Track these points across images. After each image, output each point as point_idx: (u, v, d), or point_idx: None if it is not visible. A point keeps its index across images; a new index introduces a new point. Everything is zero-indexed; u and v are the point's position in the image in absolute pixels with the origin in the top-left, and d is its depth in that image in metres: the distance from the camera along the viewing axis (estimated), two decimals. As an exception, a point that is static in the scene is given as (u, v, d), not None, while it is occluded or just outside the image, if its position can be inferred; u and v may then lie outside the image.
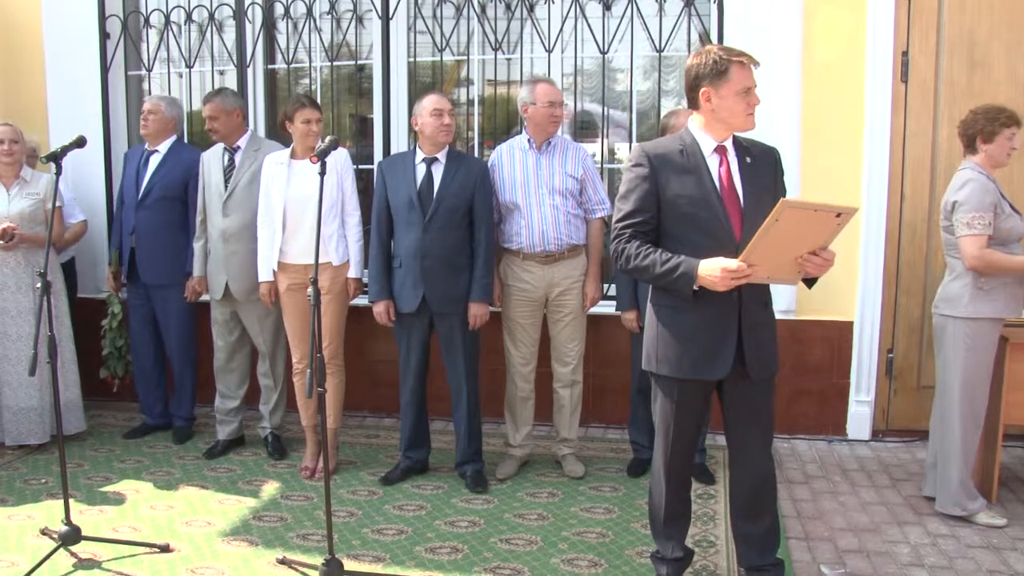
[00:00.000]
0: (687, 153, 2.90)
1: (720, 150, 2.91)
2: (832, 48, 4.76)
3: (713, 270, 2.73)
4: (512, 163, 4.38)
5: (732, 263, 2.70)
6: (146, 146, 4.99)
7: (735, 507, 3.19)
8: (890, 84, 4.78)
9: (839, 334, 4.90)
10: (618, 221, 2.95)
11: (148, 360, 5.15)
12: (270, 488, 4.36)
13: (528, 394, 4.50)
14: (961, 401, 3.90)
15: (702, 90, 2.86)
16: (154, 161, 4.94)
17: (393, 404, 4.62)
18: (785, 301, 4.75)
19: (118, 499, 4.22)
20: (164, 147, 4.95)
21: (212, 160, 4.71)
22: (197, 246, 4.76)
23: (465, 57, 5.35)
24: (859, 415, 5.00)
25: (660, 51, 5.02)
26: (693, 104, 2.94)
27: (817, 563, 3.57)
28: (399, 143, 5.28)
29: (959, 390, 3.89)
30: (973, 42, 4.77)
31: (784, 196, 2.93)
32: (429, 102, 4.20)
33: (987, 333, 3.85)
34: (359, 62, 5.47)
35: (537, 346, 4.48)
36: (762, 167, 2.96)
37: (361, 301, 4.72)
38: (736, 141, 2.95)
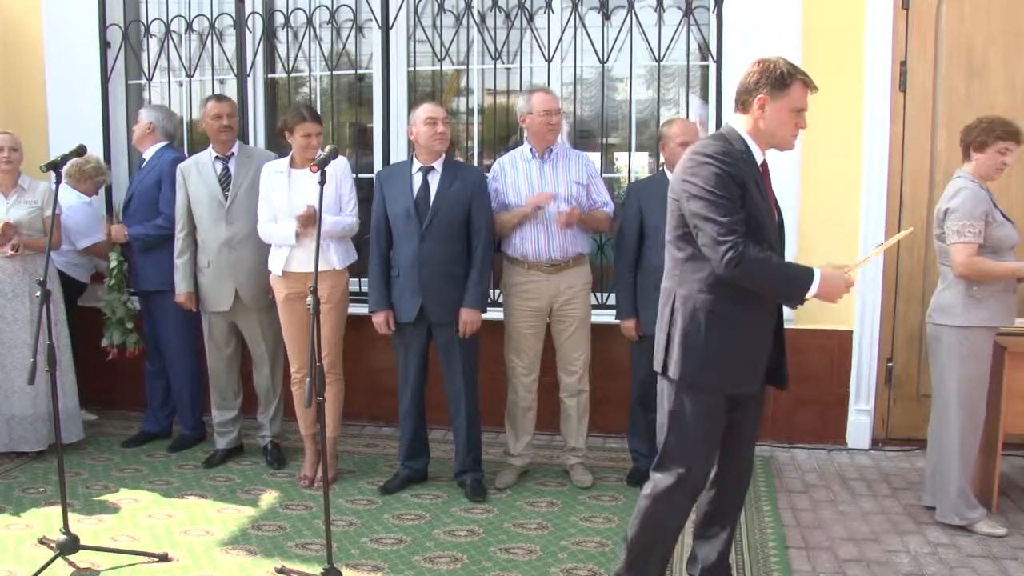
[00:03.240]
0: (748, 160, 2.82)
1: (764, 166, 2.89)
2: (831, 57, 4.76)
3: (837, 281, 2.75)
4: (516, 173, 4.39)
5: (851, 278, 2.80)
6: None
7: (711, 512, 3.16)
8: (889, 93, 4.79)
9: (838, 343, 4.91)
10: (721, 228, 2.68)
11: (157, 364, 5.15)
12: (269, 497, 4.35)
13: (530, 404, 4.49)
14: (958, 410, 3.89)
15: (759, 96, 2.80)
16: (141, 168, 5.03)
17: (392, 413, 4.61)
18: (784, 310, 4.73)
19: (116, 508, 4.20)
20: (149, 153, 4.99)
21: (196, 171, 4.68)
22: (180, 262, 4.72)
23: (465, 66, 5.36)
24: (859, 424, 4.99)
25: (659, 60, 5.03)
26: (743, 107, 2.86)
27: (817, 573, 3.56)
28: (399, 152, 5.28)
29: (956, 399, 3.89)
30: (971, 51, 4.78)
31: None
32: (423, 111, 4.20)
33: (981, 341, 3.86)
34: (359, 71, 5.48)
35: (540, 356, 4.48)
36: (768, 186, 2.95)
37: (360, 310, 4.72)
38: None
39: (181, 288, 4.72)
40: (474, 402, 4.35)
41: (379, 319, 4.28)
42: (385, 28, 5.26)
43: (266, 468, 4.75)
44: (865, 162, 4.81)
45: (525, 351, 4.42)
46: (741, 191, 2.72)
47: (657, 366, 2.92)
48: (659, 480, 2.94)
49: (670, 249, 2.92)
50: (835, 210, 4.80)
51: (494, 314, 4.58)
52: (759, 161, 2.87)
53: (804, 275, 2.74)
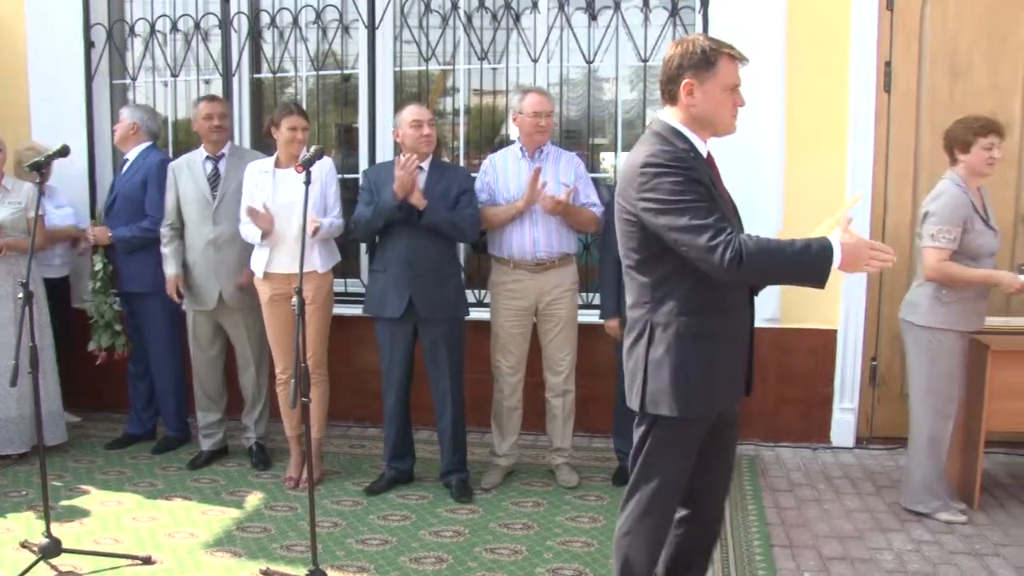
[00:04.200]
0: (696, 157, 2.55)
1: (710, 159, 2.64)
2: (816, 58, 4.78)
3: (861, 248, 2.39)
4: (506, 171, 4.40)
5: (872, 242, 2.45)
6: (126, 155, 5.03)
7: (680, 555, 2.90)
8: (874, 93, 4.81)
9: (823, 342, 4.92)
10: (708, 230, 2.39)
11: (140, 366, 5.12)
12: (254, 499, 4.33)
13: (516, 404, 4.50)
14: (924, 403, 4.00)
15: (684, 81, 2.53)
16: (124, 169, 4.99)
17: (378, 414, 4.61)
18: (769, 310, 4.76)
19: (100, 511, 4.18)
20: (133, 154, 4.96)
21: (187, 170, 4.68)
22: (168, 250, 4.69)
23: (451, 66, 5.35)
24: (843, 423, 5.01)
25: (645, 60, 5.04)
26: (671, 98, 2.60)
27: (801, 571, 3.57)
28: (385, 153, 5.27)
29: (923, 394, 4.00)
30: (955, 51, 4.80)
31: None
32: (408, 113, 4.20)
33: (948, 342, 3.92)
34: (345, 72, 5.47)
35: (526, 356, 4.48)
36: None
37: (345, 311, 4.72)
38: None
39: (171, 271, 4.68)
40: (460, 402, 4.35)
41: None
42: (371, 28, 5.25)
43: (251, 469, 4.73)
44: (850, 162, 4.82)
45: (511, 351, 4.42)
46: (707, 191, 2.49)
47: (635, 404, 2.65)
48: (629, 517, 2.71)
49: (633, 276, 2.63)
50: (820, 209, 4.70)
51: (480, 314, 4.58)
52: (704, 154, 2.60)
53: (822, 249, 2.38)
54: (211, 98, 4.78)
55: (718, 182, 2.62)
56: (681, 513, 2.84)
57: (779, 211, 4.79)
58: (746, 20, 4.78)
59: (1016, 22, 4.78)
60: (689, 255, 2.43)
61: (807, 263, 2.39)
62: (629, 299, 2.68)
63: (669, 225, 2.43)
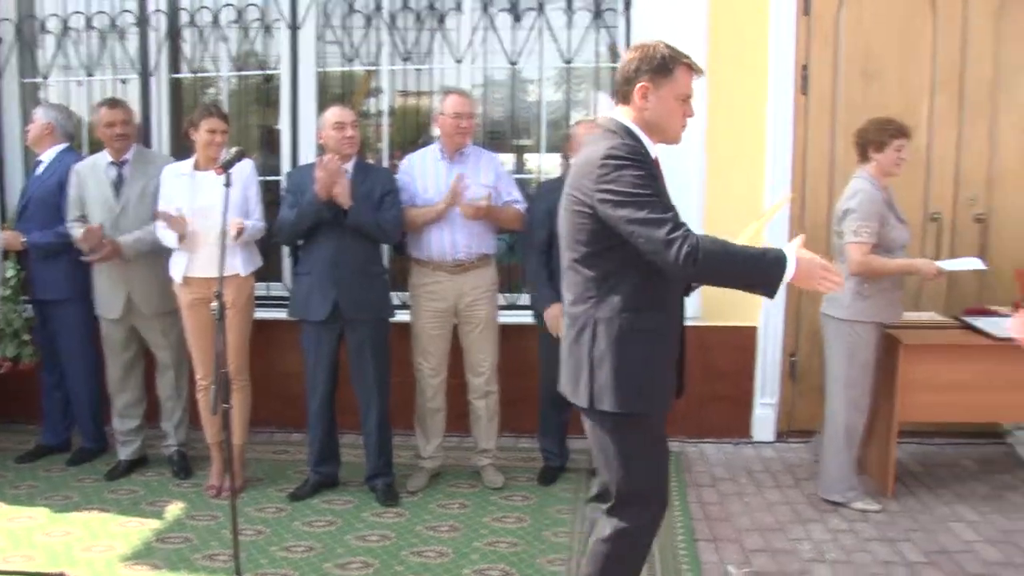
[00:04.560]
0: (648, 157, 2.54)
1: (656, 162, 2.61)
2: (736, 61, 4.87)
3: (814, 264, 2.40)
4: (424, 172, 4.38)
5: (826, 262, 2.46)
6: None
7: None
8: (791, 96, 4.93)
9: (744, 340, 5.01)
10: (666, 224, 2.38)
11: (54, 377, 4.94)
12: (175, 508, 4.23)
13: (439, 405, 4.48)
14: (842, 397, 4.15)
15: (640, 84, 2.54)
16: (39, 171, 4.80)
17: (302, 419, 4.54)
18: (691, 308, 4.81)
19: (8, 527, 4.02)
20: (48, 156, 4.79)
21: (90, 174, 4.52)
22: (75, 228, 4.46)
23: (375, 67, 5.31)
24: (764, 418, 5.11)
25: (568, 63, 5.08)
26: (624, 98, 2.60)
27: (724, 563, 3.64)
28: (307, 155, 5.19)
29: (841, 387, 4.15)
30: (868, 56, 4.94)
31: None
32: (331, 115, 4.16)
33: (866, 333, 4.09)
34: (267, 72, 5.39)
35: (447, 357, 4.47)
36: None
37: (267, 315, 4.65)
38: None
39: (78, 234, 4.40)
40: (385, 405, 4.31)
41: None
42: (293, 28, 5.19)
43: (171, 479, 4.62)
44: (768, 162, 4.93)
45: (432, 353, 4.41)
46: (662, 190, 2.52)
47: (583, 401, 2.61)
48: (625, 521, 2.66)
49: (579, 269, 2.60)
50: (740, 210, 4.85)
51: (404, 316, 4.55)
52: (653, 156, 2.60)
53: (777, 260, 2.40)
54: (112, 103, 4.57)
55: (663, 185, 2.62)
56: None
57: (700, 209, 4.87)
58: (669, 23, 4.84)
59: (925, 29, 4.94)
60: (645, 248, 2.41)
61: (761, 270, 2.41)
62: (570, 294, 2.65)
63: (628, 217, 2.41)
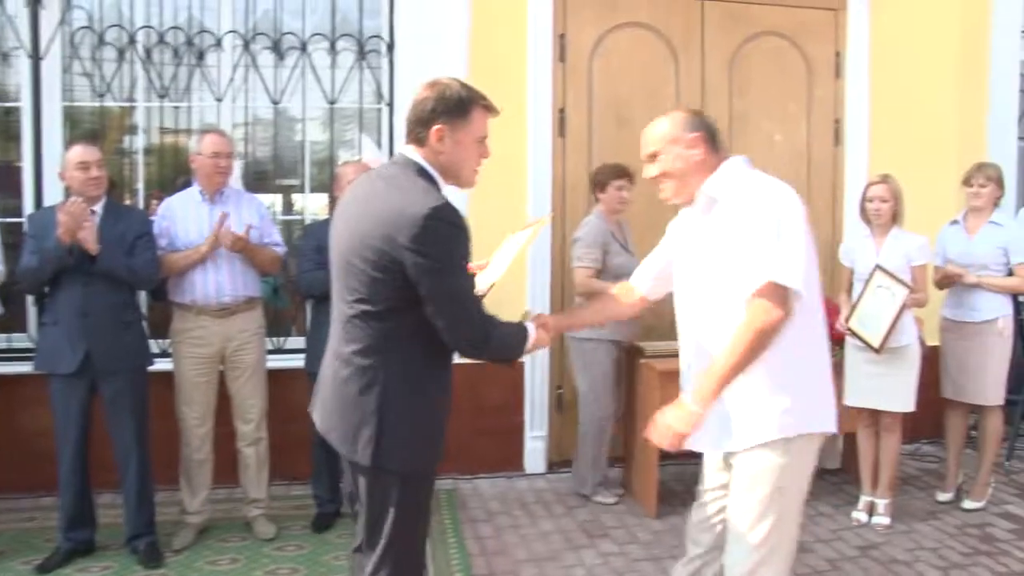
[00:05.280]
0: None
1: None
2: (497, 104, 5.01)
3: (543, 340, 2.61)
4: (185, 215, 4.22)
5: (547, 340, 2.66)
6: None
7: None
8: (550, 138, 5.18)
9: (512, 375, 5.14)
10: (471, 306, 2.37)
11: None
12: None
13: (205, 456, 4.28)
14: (587, 405, 4.75)
15: (436, 127, 2.39)
16: None
17: (52, 481, 4.18)
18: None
19: None
20: None
21: None
22: None
23: (129, 104, 5.06)
24: (534, 450, 5.28)
25: (332, 103, 5.07)
26: (418, 141, 2.43)
27: (499, 598, 3.71)
28: (53, 195, 4.83)
29: (581, 398, 4.71)
30: (619, 101, 5.29)
31: None
32: (74, 155, 3.91)
33: (601, 350, 4.65)
34: (6, 104, 5.00)
35: (213, 405, 4.29)
36: None
37: (10, 368, 4.30)
38: None
39: None
40: (145, 459, 4.06)
41: None
42: (35, 58, 4.84)
43: None
44: (530, 202, 5.14)
45: (197, 401, 4.22)
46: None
47: (365, 459, 2.40)
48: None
49: (368, 323, 2.39)
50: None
51: (164, 364, 4.34)
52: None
53: (523, 337, 2.54)
54: None
55: None
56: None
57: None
58: (430, 66, 4.90)
59: (666, 78, 5.36)
60: (441, 319, 2.33)
61: (514, 349, 2.52)
62: (354, 345, 2.42)
63: (440, 283, 2.30)
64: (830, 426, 2.64)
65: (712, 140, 2.64)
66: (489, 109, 2.48)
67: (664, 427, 2.51)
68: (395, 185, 2.39)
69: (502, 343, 2.47)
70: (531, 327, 2.56)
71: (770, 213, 2.44)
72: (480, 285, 2.67)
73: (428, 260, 2.26)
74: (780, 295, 2.39)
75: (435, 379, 2.47)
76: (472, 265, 2.63)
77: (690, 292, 2.66)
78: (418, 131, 2.42)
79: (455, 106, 2.40)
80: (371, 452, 2.39)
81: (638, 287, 2.95)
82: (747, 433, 2.54)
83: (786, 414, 2.51)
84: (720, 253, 2.52)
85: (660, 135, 2.66)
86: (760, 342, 2.40)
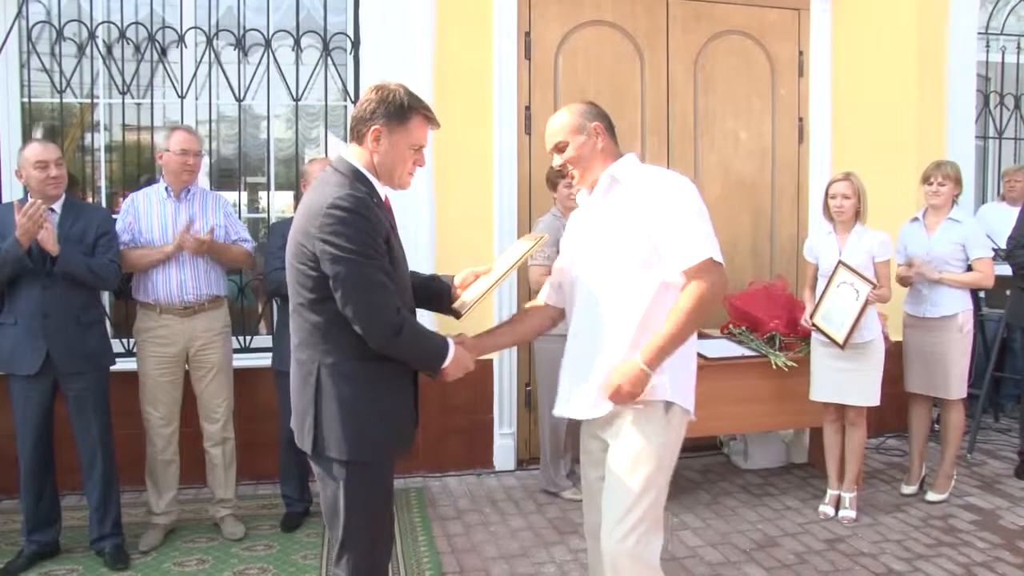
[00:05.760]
0: (377, 202, 2.50)
1: (386, 202, 2.59)
2: (463, 102, 5.04)
3: (466, 361, 2.62)
4: (149, 212, 4.16)
5: (471, 364, 2.65)
6: None
7: None
8: (515, 135, 5.18)
9: (481, 373, 5.05)
10: (381, 295, 2.41)
11: None
12: None
13: (171, 457, 4.22)
14: (542, 404, 4.77)
15: (374, 127, 2.49)
16: None
17: (13, 483, 4.11)
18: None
19: None
20: None
21: None
22: None
23: (90, 100, 4.99)
24: (504, 447, 5.27)
25: (297, 100, 5.03)
26: (358, 138, 2.54)
27: (470, 595, 3.70)
28: (12, 192, 4.75)
29: (539, 396, 4.74)
30: (584, 98, 5.26)
31: None
32: (31, 153, 3.83)
33: (550, 348, 4.49)
34: (-39, 101, 4.90)
35: (179, 405, 4.23)
36: None
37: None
38: None
39: None
40: (110, 459, 4.00)
41: None
42: (-9, 54, 4.76)
43: None
44: (496, 199, 5.14)
45: (162, 401, 4.16)
46: (386, 244, 2.46)
47: (307, 446, 2.54)
48: (349, 572, 2.59)
49: (304, 315, 2.51)
50: (470, 243, 5.02)
51: (128, 364, 4.28)
52: (383, 198, 2.58)
53: (441, 349, 2.57)
54: None
55: (394, 227, 2.60)
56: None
57: (431, 248, 5.00)
58: (396, 64, 4.93)
59: (632, 76, 5.39)
60: (349, 311, 2.40)
61: (429, 358, 2.56)
62: (296, 338, 2.56)
63: (344, 273, 2.38)
64: (691, 409, 2.80)
65: (610, 130, 2.80)
66: (430, 120, 2.58)
67: (613, 385, 2.60)
68: (321, 182, 2.54)
69: (414, 345, 2.51)
70: (451, 344, 2.59)
71: (686, 196, 2.66)
72: (466, 296, 2.75)
73: (332, 248, 2.37)
74: (718, 269, 2.59)
75: (368, 368, 2.50)
76: (476, 271, 2.80)
77: (586, 265, 2.76)
78: (359, 128, 2.53)
79: (395, 111, 2.50)
80: (311, 440, 2.53)
81: (544, 299, 3.01)
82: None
83: (666, 383, 2.67)
84: (620, 228, 2.67)
85: (564, 125, 2.77)
86: (703, 309, 2.58)
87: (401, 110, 2.51)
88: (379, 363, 2.50)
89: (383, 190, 2.58)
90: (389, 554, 2.73)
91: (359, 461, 2.51)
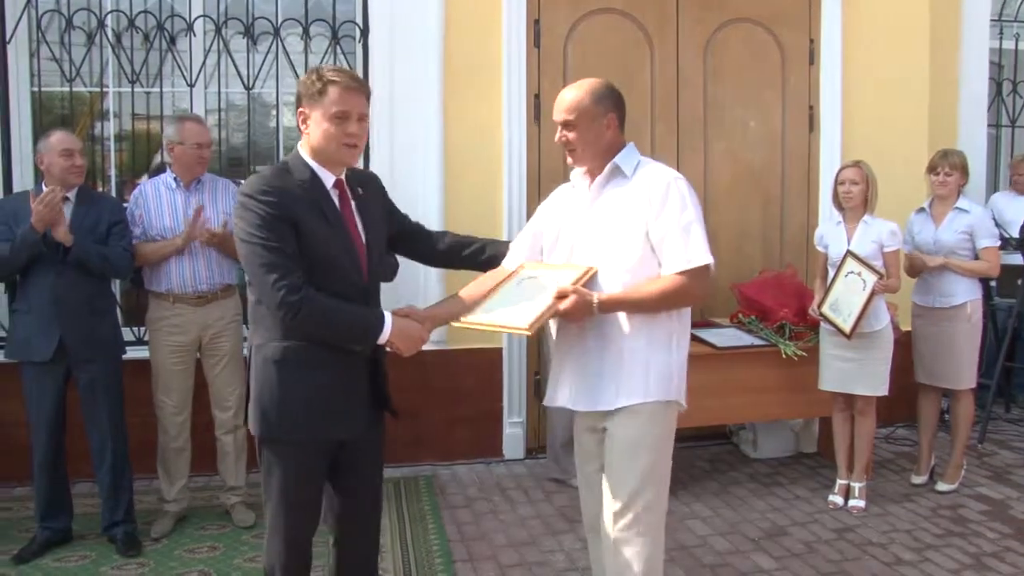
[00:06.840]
0: (308, 189, 2.52)
1: (339, 184, 2.61)
2: (472, 90, 5.03)
3: (412, 332, 2.58)
4: (159, 203, 4.17)
5: (426, 336, 2.63)
6: None
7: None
8: (524, 123, 5.16)
9: (490, 362, 5.15)
10: (274, 274, 2.42)
11: None
12: None
13: (183, 445, 4.25)
14: None
15: (299, 110, 2.54)
16: None
17: (26, 471, 4.14)
18: (437, 332, 4.88)
19: None
20: None
21: None
22: None
23: (100, 89, 4.99)
24: (513, 436, 5.28)
25: (307, 88, 5.02)
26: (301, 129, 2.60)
27: (481, 583, 3.72)
28: (23, 181, 4.78)
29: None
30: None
31: (402, 219, 2.98)
32: (58, 141, 3.86)
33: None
34: (-27, 90, 4.91)
35: (191, 393, 4.26)
36: (374, 197, 2.78)
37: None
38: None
39: None
40: (122, 447, 4.04)
41: None
42: (1, 42, 4.76)
43: None
44: (505, 188, 5.13)
45: (175, 389, 4.19)
46: (293, 229, 2.46)
47: (242, 421, 2.68)
48: (266, 555, 2.72)
49: (247, 296, 2.64)
50: (479, 231, 4.82)
51: (141, 352, 4.30)
52: (329, 184, 2.58)
53: (372, 324, 2.53)
54: None
55: (346, 212, 2.61)
56: (331, 540, 2.85)
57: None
58: (405, 51, 4.94)
59: (641, 64, 5.36)
60: (256, 291, 2.52)
61: (353, 334, 2.55)
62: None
63: (246, 256, 2.49)
64: (683, 402, 2.84)
65: (622, 121, 2.80)
66: (348, 88, 2.51)
67: (567, 305, 2.61)
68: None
69: (324, 323, 2.49)
70: (388, 316, 2.57)
71: (686, 198, 2.66)
72: (481, 317, 2.68)
73: (238, 231, 2.50)
74: (708, 276, 2.67)
75: (295, 349, 2.52)
76: (497, 272, 2.86)
77: (583, 257, 2.76)
78: (298, 120, 2.58)
79: (312, 89, 2.51)
80: (244, 416, 2.70)
81: (509, 266, 2.97)
82: (630, 393, 2.70)
83: (666, 380, 2.73)
84: (619, 224, 2.69)
85: (579, 106, 2.75)
86: (678, 301, 2.68)
87: (316, 85, 2.50)
88: (301, 346, 2.52)
89: (331, 177, 2.59)
90: (306, 536, 2.73)
91: (269, 438, 2.60)
